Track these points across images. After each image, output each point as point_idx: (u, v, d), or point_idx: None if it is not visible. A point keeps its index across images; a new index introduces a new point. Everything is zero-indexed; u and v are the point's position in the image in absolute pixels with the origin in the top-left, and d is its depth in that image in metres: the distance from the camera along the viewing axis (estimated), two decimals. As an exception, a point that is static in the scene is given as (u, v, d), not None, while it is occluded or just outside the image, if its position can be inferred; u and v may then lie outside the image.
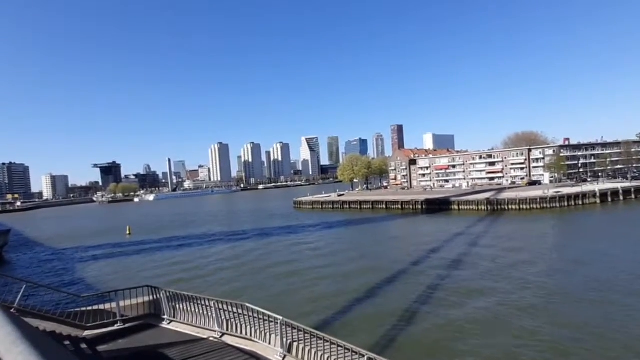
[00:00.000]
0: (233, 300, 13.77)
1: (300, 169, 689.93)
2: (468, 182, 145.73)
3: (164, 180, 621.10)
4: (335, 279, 40.48)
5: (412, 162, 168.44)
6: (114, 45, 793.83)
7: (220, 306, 14.13)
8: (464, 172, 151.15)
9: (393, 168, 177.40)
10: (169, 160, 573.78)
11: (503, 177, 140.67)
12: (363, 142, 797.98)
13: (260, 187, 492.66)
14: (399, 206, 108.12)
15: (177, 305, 15.87)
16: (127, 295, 16.31)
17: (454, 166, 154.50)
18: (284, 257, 54.18)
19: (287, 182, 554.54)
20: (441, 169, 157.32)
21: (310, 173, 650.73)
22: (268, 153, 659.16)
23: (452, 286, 34.90)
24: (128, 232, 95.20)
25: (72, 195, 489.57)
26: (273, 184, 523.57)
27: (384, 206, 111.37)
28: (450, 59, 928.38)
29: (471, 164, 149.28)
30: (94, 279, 48.32)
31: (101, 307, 16.21)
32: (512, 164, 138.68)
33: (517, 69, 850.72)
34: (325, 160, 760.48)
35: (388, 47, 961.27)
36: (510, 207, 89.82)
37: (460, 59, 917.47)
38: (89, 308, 16.03)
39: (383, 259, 47.61)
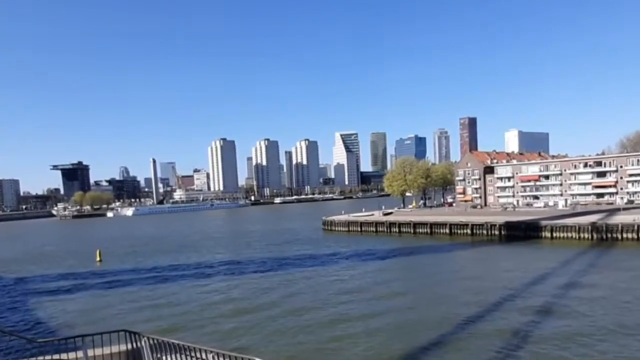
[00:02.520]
0: (238, 354, 13.95)
1: (333, 176, 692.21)
2: (566, 200, 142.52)
3: (146, 189, 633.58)
4: (374, 334, 40.56)
5: (488, 169, 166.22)
6: (79, 16, 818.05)
7: (222, 360, 14.27)
8: (561, 185, 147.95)
9: (461, 178, 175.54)
10: (154, 161, 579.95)
11: (617, 193, 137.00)
12: (420, 141, 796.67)
13: (277, 200, 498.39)
14: (468, 231, 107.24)
15: (164, 358, 16.13)
16: (98, 342, 16.66)
17: (547, 177, 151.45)
18: (306, 299, 54.81)
19: (313, 193, 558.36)
20: (529, 181, 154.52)
21: (346, 182, 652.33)
22: (289, 154, 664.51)
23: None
24: (98, 259, 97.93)
25: (24, 207, 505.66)
26: (295, 197, 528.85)
27: (447, 230, 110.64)
28: (543, 33, 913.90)
29: (572, 173, 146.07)
30: (54, 320, 50.14)
31: (63, 356, 16.56)
32: (631, 175, 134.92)
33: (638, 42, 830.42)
34: (366, 165, 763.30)
35: (454, 20, 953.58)
36: (625, 235, 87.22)
37: (557, 33, 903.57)
38: (48, 358, 16.35)
39: (438, 316, 46.60)
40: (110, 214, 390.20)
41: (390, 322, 43.76)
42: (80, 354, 16.19)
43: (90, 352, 16.27)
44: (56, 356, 16.36)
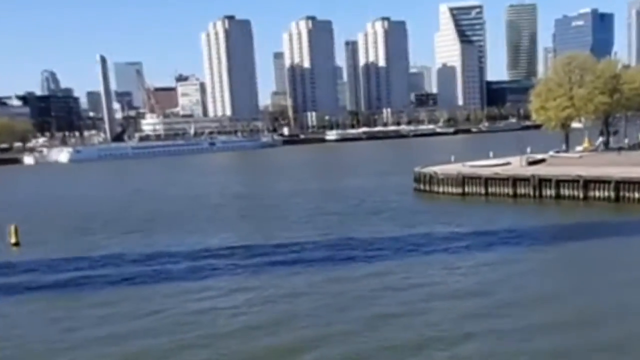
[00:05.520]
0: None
1: (434, 90, 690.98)
2: None
3: (91, 113, 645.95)
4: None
5: None
6: None
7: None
8: None
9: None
10: (103, 61, 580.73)
11: None
12: (602, 22, 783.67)
13: (331, 135, 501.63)
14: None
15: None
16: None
17: None
18: (388, 326, 52.38)
19: (398, 123, 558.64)
20: None
21: (460, 102, 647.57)
22: (351, 47, 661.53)
23: None
24: (14, 240, 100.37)
25: None
26: (363, 129, 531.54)
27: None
28: None
29: None
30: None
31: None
32: None
33: None
34: (498, 70, 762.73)
35: None
36: None
37: None
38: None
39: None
40: (29, 160, 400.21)
41: None
42: None
43: None
44: None
